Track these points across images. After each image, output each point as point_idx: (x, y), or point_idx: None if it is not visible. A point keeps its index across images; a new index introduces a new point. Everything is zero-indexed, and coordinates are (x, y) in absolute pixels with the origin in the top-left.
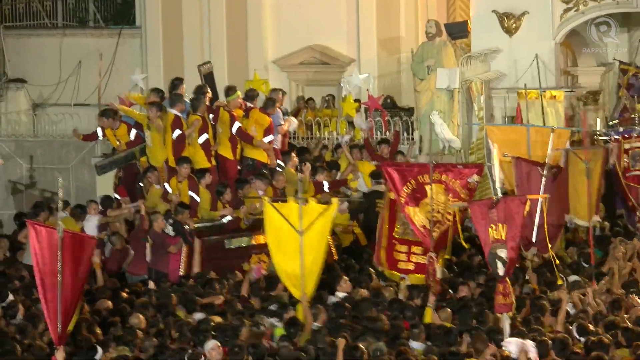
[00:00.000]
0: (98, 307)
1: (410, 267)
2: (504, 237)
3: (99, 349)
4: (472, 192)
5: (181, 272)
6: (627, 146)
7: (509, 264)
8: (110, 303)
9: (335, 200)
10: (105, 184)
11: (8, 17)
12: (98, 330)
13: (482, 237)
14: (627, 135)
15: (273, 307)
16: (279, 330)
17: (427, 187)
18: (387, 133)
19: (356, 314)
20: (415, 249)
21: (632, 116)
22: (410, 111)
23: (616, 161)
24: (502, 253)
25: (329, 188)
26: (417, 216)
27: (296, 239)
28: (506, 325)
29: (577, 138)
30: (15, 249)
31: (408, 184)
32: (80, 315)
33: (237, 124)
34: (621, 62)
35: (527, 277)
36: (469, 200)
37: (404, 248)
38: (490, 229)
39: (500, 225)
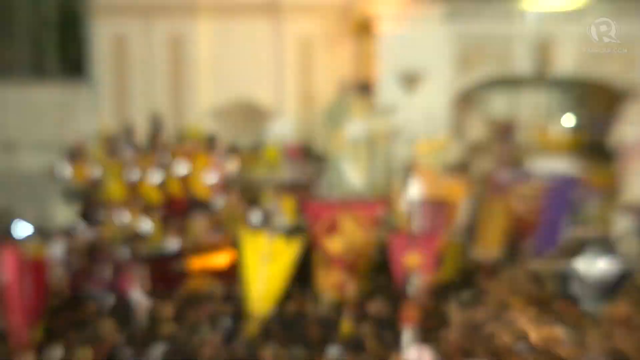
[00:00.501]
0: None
1: (334, 286)
2: (419, 264)
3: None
4: (378, 224)
5: (133, 290)
6: (519, 187)
7: (421, 287)
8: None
9: (300, 238)
10: (61, 216)
11: None
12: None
13: (397, 263)
14: (520, 178)
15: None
16: None
17: (340, 220)
18: (303, 175)
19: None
20: (332, 272)
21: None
22: (323, 157)
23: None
24: (416, 277)
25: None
26: (331, 246)
27: (261, 265)
28: (407, 334)
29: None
30: None
31: (324, 218)
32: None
33: (186, 167)
34: (498, 120)
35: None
36: (391, 232)
37: (328, 270)
38: (407, 257)
39: (416, 253)
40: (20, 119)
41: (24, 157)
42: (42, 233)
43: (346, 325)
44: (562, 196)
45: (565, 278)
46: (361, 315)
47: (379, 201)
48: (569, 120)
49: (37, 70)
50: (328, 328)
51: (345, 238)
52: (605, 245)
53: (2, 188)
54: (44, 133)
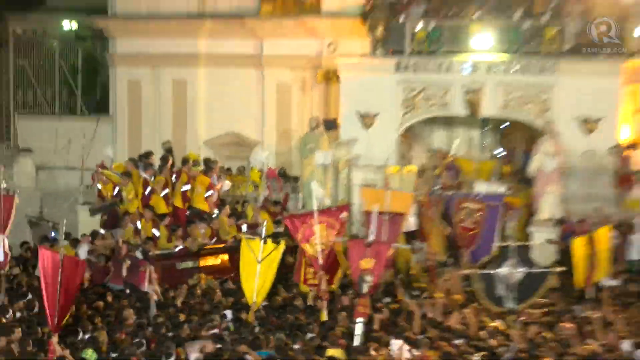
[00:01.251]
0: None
1: (317, 282)
2: (371, 268)
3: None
4: (343, 225)
5: (145, 284)
6: (463, 205)
7: (372, 286)
8: (101, 303)
9: (283, 242)
10: (86, 223)
11: (20, 105)
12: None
13: (354, 265)
14: (465, 197)
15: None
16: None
17: (315, 228)
18: (281, 193)
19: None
20: (309, 270)
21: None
22: (297, 179)
23: (454, 214)
24: (368, 278)
25: (247, 229)
26: (309, 249)
27: (255, 265)
28: (359, 326)
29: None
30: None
31: (302, 227)
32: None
33: (188, 186)
34: (438, 151)
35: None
36: (349, 240)
37: (311, 269)
38: (362, 261)
39: (370, 259)
40: (55, 146)
41: (57, 176)
42: (71, 237)
43: (323, 315)
44: (495, 212)
45: (490, 281)
46: (338, 307)
47: (342, 206)
48: (495, 152)
49: (69, 108)
50: (311, 316)
51: (319, 241)
52: (524, 254)
53: (40, 201)
54: (73, 157)
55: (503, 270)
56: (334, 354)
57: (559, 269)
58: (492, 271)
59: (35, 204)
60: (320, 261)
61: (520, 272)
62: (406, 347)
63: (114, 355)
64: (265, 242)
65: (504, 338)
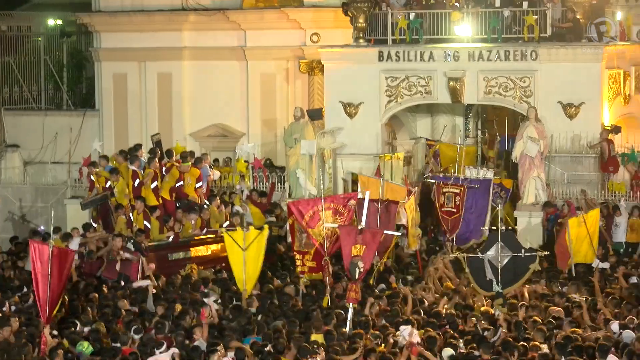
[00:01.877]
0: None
1: (305, 269)
2: (362, 254)
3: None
4: (350, 212)
5: (138, 275)
6: (444, 190)
7: (363, 272)
8: (97, 294)
9: (266, 227)
10: (74, 217)
11: (7, 101)
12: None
13: (346, 251)
14: (444, 182)
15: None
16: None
17: (320, 214)
18: (267, 183)
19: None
20: (307, 257)
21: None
22: (282, 169)
23: (436, 199)
24: (360, 264)
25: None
26: (315, 234)
27: (241, 254)
28: (350, 311)
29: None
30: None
31: (307, 213)
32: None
33: (181, 182)
34: (427, 139)
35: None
36: (340, 225)
37: (299, 256)
38: (354, 247)
39: (361, 246)
40: (41, 141)
41: (44, 170)
42: (60, 231)
43: (325, 300)
44: (482, 196)
45: (480, 265)
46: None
47: (350, 194)
48: (479, 137)
49: (55, 103)
50: (311, 302)
51: (325, 227)
52: (510, 238)
53: (29, 196)
54: (60, 152)
55: (490, 254)
56: (317, 339)
57: (543, 253)
58: (480, 255)
59: (24, 199)
60: (326, 247)
61: (506, 256)
62: (416, 331)
63: (114, 345)
64: (247, 230)
65: (490, 322)
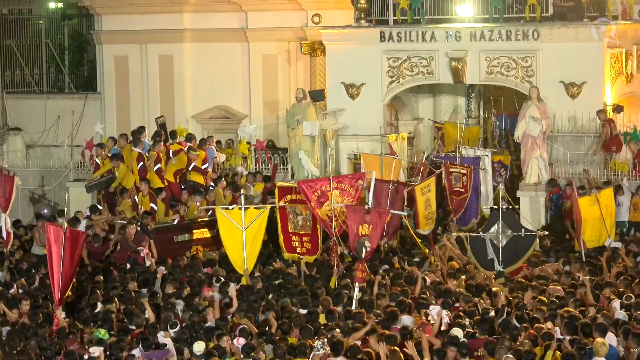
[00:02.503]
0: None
1: (304, 250)
2: (368, 234)
3: (99, 304)
4: (358, 192)
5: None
6: (452, 170)
7: (369, 251)
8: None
9: (268, 206)
10: (77, 200)
11: (8, 84)
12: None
13: (353, 230)
14: (452, 162)
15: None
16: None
17: (329, 194)
18: (269, 165)
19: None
20: (305, 238)
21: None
22: (285, 150)
23: (445, 180)
24: (367, 243)
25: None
26: (322, 214)
27: (240, 233)
28: (356, 291)
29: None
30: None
31: (315, 193)
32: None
33: (193, 164)
34: (435, 121)
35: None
36: (347, 204)
37: (297, 238)
38: (360, 226)
39: (368, 225)
40: (43, 124)
41: (46, 154)
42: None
43: (333, 280)
44: (478, 175)
45: (482, 244)
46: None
47: (359, 174)
48: (480, 117)
49: (57, 86)
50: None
51: (333, 207)
52: (511, 218)
53: (32, 179)
54: (62, 135)
55: (492, 233)
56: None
57: (543, 233)
58: (482, 234)
59: (26, 183)
60: (334, 227)
61: (507, 235)
62: (445, 312)
63: (131, 327)
64: (247, 209)
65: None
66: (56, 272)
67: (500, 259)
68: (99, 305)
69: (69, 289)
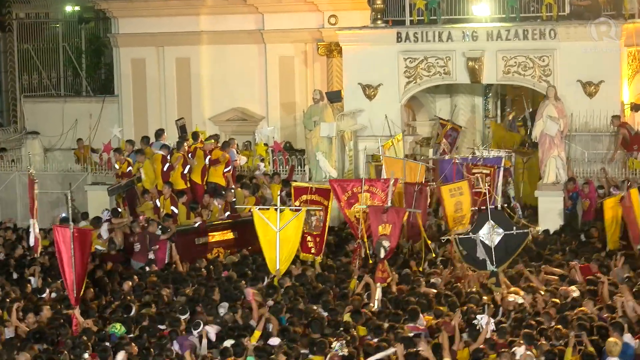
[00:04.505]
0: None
1: (316, 250)
2: (388, 233)
3: (133, 307)
4: (387, 196)
5: (166, 260)
6: (474, 170)
7: (389, 251)
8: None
9: (304, 209)
10: (95, 203)
11: (26, 88)
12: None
13: (373, 230)
14: (474, 163)
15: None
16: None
17: (360, 195)
18: (286, 166)
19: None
20: (317, 239)
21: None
22: (302, 152)
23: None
24: (386, 243)
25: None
26: (350, 215)
27: (274, 234)
28: (379, 291)
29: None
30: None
31: (346, 193)
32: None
33: (208, 157)
34: (440, 118)
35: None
36: (369, 206)
37: (311, 238)
38: (380, 226)
39: (387, 225)
40: (61, 127)
41: (64, 157)
42: (87, 217)
43: (353, 282)
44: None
45: (471, 244)
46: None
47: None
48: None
49: (74, 89)
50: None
51: (362, 209)
52: (501, 217)
53: (50, 183)
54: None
55: (482, 233)
56: (348, 320)
57: (536, 229)
58: (472, 236)
59: (45, 186)
60: (361, 229)
61: (498, 234)
62: (492, 320)
63: (161, 327)
64: (282, 211)
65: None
66: (68, 273)
67: (492, 259)
68: (133, 309)
69: (83, 288)
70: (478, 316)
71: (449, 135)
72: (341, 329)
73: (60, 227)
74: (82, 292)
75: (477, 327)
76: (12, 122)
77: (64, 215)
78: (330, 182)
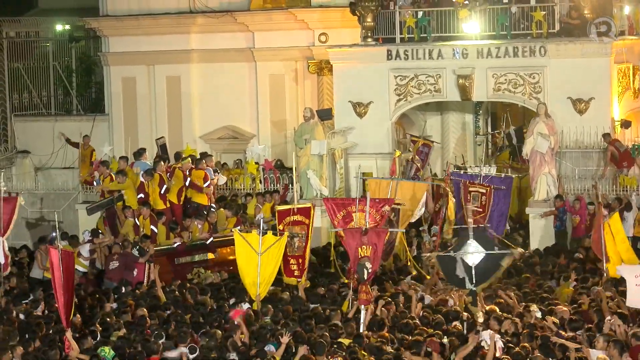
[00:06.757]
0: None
1: (299, 273)
2: (369, 255)
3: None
4: (384, 217)
5: (144, 280)
6: (471, 189)
7: (371, 273)
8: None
9: (286, 233)
10: (86, 222)
11: (17, 107)
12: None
13: (352, 253)
14: (471, 181)
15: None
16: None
17: (354, 215)
18: (278, 185)
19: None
20: (300, 260)
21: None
22: (291, 170)
23: (463, 197)
24: (368, 265)
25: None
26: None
27: (255, 257)
28: (363, 313)
29: None
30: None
31: (341, 212)
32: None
33: (189, 179)
34: (412, 135)
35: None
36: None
37: (294, 261)
38: (360, 248)
39: (367, 246)
40: (51, 146)
41: (55, 176)
42: (69, 236)
43: (346, 304)
44: (502, 195)
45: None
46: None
47: (387, 199)
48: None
49: (64, 108)
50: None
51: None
52: (482, 235)
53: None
54: (70, 157)
55: (463, 252)
56: (344, 342)
57: (518, 250)
58: (453, 254)
59: (35, 205)
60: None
61: (479, 253)
62: (498, 336)
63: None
64: (264, 234)
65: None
66: (59, 295)
67: (472, 278)
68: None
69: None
70: (482, 332)
71: (421, 152)
72: (335, 347)
73: (54, 248)
74: (71, 315)
75: (482, 345)
76: (2, 141)
77: (54, 235)
78: (324, 200)
